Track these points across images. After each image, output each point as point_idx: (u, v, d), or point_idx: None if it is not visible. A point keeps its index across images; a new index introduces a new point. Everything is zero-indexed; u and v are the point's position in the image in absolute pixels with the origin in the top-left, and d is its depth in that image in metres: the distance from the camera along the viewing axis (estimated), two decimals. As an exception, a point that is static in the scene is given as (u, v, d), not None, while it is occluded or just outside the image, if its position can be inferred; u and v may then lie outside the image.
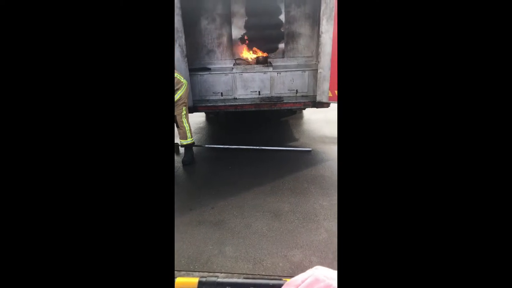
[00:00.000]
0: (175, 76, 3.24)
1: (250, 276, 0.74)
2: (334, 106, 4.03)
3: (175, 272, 0.62)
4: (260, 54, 4.25)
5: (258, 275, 0.73)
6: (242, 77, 4.13)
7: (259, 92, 4.17)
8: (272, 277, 0.67)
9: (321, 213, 2.53)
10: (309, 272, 0.44)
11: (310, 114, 5.25)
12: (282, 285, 0.65)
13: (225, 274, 0.67)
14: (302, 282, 0.42)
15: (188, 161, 3.56)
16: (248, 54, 4.29)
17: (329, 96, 3.76)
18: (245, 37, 4.26)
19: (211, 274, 0.70)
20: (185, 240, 2.27)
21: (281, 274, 1.88)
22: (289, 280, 0.45)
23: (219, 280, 0.66)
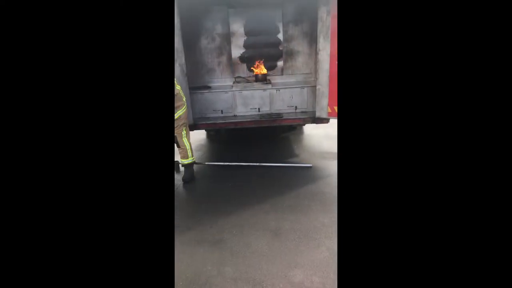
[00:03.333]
0: (177, 90, 3.28)
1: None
2: (333, 122, 4.05)
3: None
4: (263, 68, 4.31)
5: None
6: (242, 95, 4.18)
7: (258, 109, 4.21)
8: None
9: (322, 231, 2.49)
10: None
11: (310, 130, 5.26)
12: None
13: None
14: None
15: (188, 179, 3.54)
16: (260, 69, 4.32)
17: (328, 112, 3.78)
18: (257, 62, 4.32)
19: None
20: (183, 260, 2.23)
21: (281, 296, 1.83)
22: None
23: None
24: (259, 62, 4.30)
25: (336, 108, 3.70)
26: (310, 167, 3.79)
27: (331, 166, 3.80)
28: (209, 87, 4.25)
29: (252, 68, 4.34)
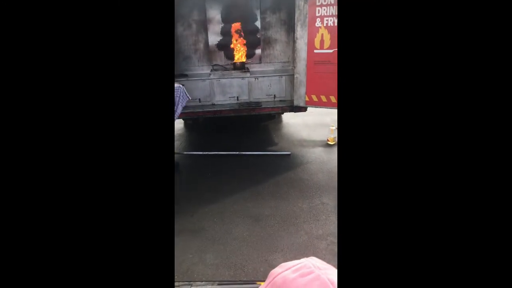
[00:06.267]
0: None
1: (225, 282, 0.74)
2: (310, 110, 4.12)
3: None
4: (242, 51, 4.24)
5: (233, 281, 0.73)
6: (220, 83, 4.13)
7: (237, 97, 4.19)
8: (246, 282, 0.68)
9: (300, 216, 2.56)
10: (302, 259, 0.47)
11: (288, 119, 5.32)
12: None
13: (199, 282, 0.66)
14: (293, 266, 0.45)
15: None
16: (241, 52, 4.23)
17: (306, 101, 3.83)
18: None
19: (185, 283, 0.69)
20: (164, 249, 2.23)
21: (262, 279, 1.88)
22: (282, 263, 0.47)
23: (192, 288, 0.66)
24: (236, 40, 4.18)
25: (314, 96, 3.76)
26: (289, 155, 3.86)
27: (309, 154, 3.89)
28: (186, 75, 4.16)
29: (232, 46, 4.23)
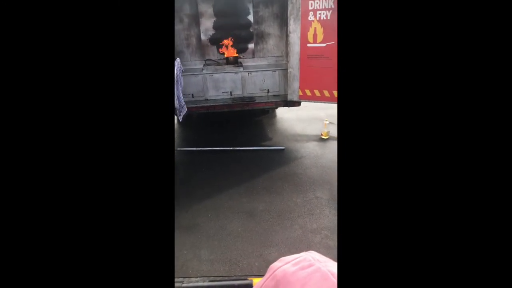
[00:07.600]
0: None
1: (219, 278, 0.74)
2: (304, 105, 4.12)
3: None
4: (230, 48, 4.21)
5: (225, 277, 0.73)
6: (213, 78, 4.10)
7: (230, 92, 4.16)
8: (239, 277, 0.67)
9: (295, 210, 2.57)
10: (301, 253, 0.47)
11: (282, 113, 5.31)
12: (247, 284, 0.65)
13: (194, 278, 0.66)
14: (293, 260, 0.45)
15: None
16: (229, 50, 4.21)
17: (300, 95, 3.83)
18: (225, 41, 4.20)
19: (179, 279, 0.68)
20: (159, 246, 2.22)
21: (257, 274, 1.89)
22: (282, 258, 0.48)
23: (184, 285, 0.65)
24: (228, 41, 4.16)
25: (307, 91, 3.75)
26: (283, 149, 3.86)
27: (303, 148, 3.90)
28: (178, 71, 4.11)
29: (220, 50, 4.23)
